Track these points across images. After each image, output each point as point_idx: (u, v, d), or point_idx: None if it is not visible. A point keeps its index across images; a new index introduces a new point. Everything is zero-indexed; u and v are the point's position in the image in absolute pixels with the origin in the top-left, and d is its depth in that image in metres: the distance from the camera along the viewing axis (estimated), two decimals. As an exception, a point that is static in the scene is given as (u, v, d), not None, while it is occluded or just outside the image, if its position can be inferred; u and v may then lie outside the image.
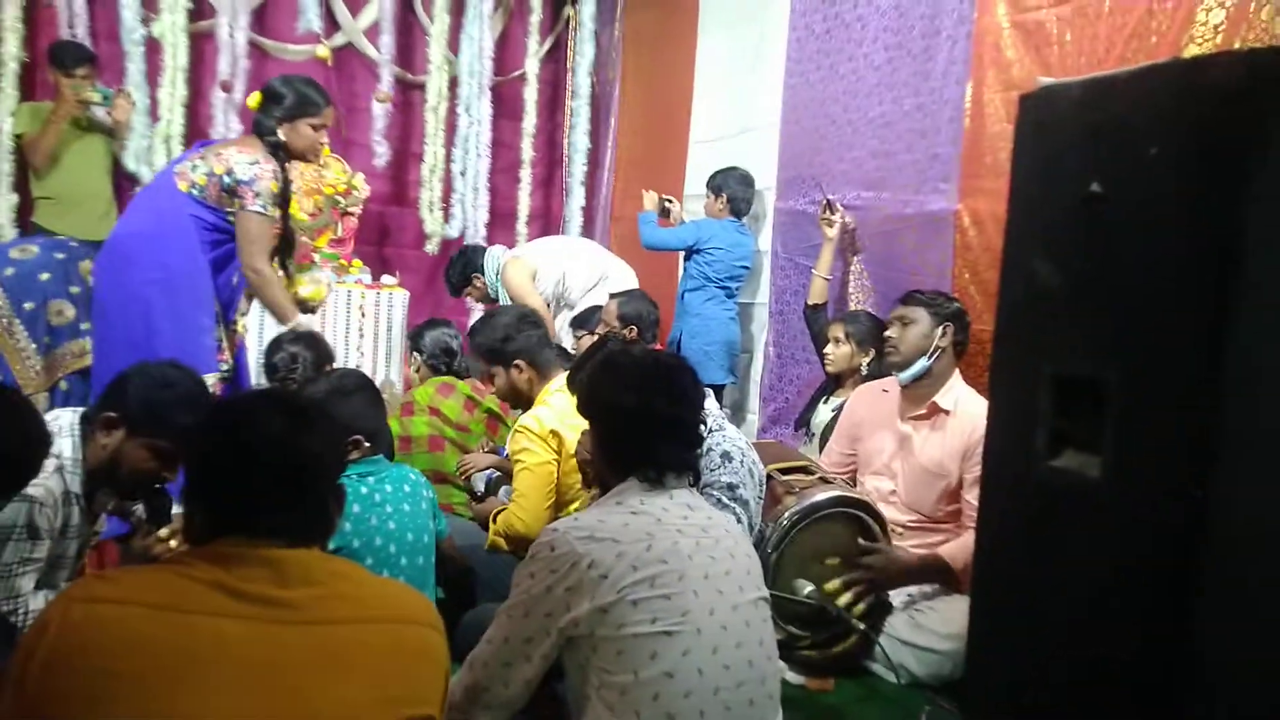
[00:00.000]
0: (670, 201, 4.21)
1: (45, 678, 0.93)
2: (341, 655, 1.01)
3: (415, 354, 3.33)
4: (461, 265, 4.35)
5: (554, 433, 2.29)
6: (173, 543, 1.81)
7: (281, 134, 2.76)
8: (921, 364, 2.48)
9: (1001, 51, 2.77)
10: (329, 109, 2.86)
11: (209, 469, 1.09)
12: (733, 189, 3.87)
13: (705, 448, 1.94)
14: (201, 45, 4.69)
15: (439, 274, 5.63)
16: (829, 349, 3.12)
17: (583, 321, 3.84)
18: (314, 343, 2.71)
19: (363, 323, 4.61)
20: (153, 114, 4.53)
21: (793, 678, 2.18)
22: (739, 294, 3.95)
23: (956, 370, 2.55)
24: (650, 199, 4.15)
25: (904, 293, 2.62)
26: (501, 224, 5.56)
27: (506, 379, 2.52)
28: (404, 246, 5.57)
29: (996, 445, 1.91)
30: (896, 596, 2.34)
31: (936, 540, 2.42)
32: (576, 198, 5.67)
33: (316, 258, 4.65)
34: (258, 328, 4.18)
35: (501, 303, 4.33)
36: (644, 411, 1.45)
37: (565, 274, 4.19)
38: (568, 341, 4.07)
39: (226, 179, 2.68)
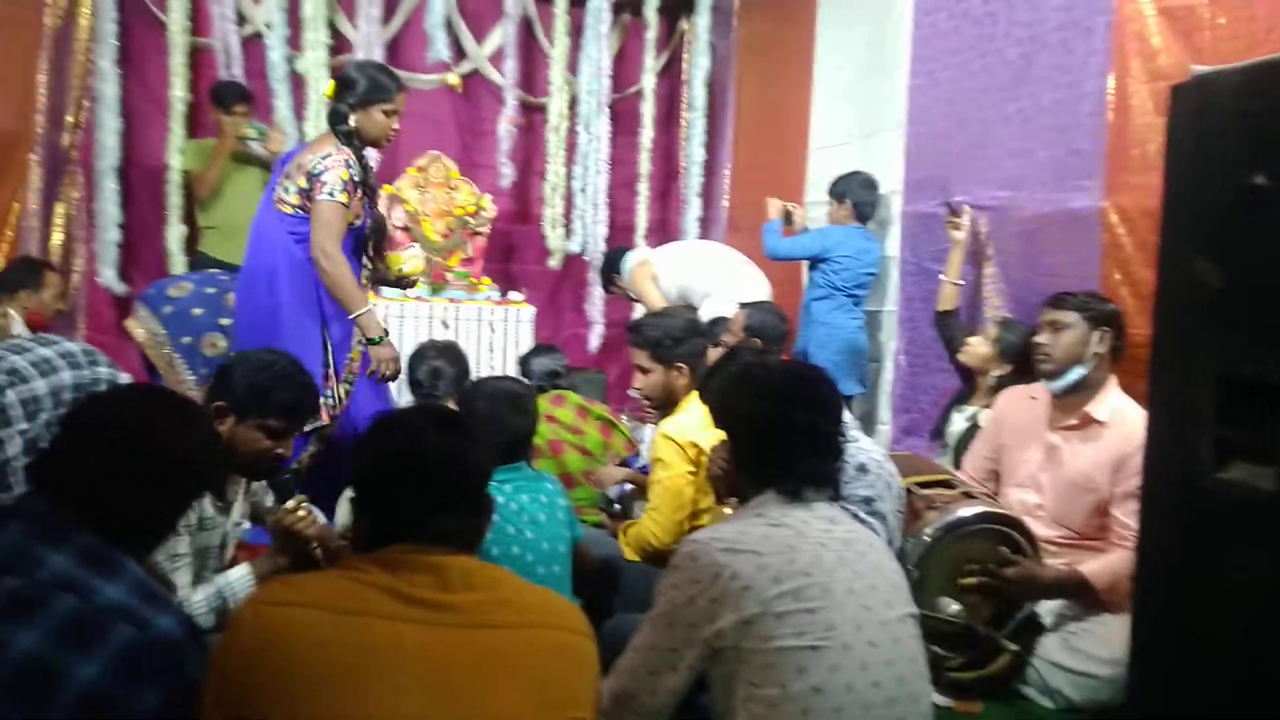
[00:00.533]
0: (794, 208, 4.17)
1: (243, 676, 1.00)
2: (504, 659, 1.05)
3: (524, 379, 3.44)
4: (606, 267, 4.65)
5: (694, 443, 2.30)
6: (300, 512, 1.90)
7: (354, 120, 2.75)
8: (1076, 373, 2.33)
9: (1146, 40, 2.62)
10: (401, 94, 2.85)
11: (376, 481, 1.15)
12: (857, 194, 3.80)
13: (841, 458, 1.90)
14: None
15: (562, 288, 5.79)
16: (972, 340, 3.00)
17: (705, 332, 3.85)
18: (455, 357, 2.81)
19: (492, 338, 4.76)
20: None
21: (939, 699, 2.09)
22: (866, 301, 3.87)
23: (1113, 377, 2.38)
24: (774, 207, 4.11)
25: (1050, 295, 2.46)
26: (620, 238, 5.62)
27: (663, 378, 2.52)
28: (528, 263, 5.73)
29: (1156, 457, 1.79)
30: (1048, 616, 2.23)
31: (1087, 559, 2.28)
32: (693, 209, 5.69)
33: (449, 277, 4.86)
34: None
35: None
36: (782, 422, 1.44)
37: (688, 279, 4.24)
38: None
39: (305, 183, 2.72)
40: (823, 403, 1.49)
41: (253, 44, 4.85)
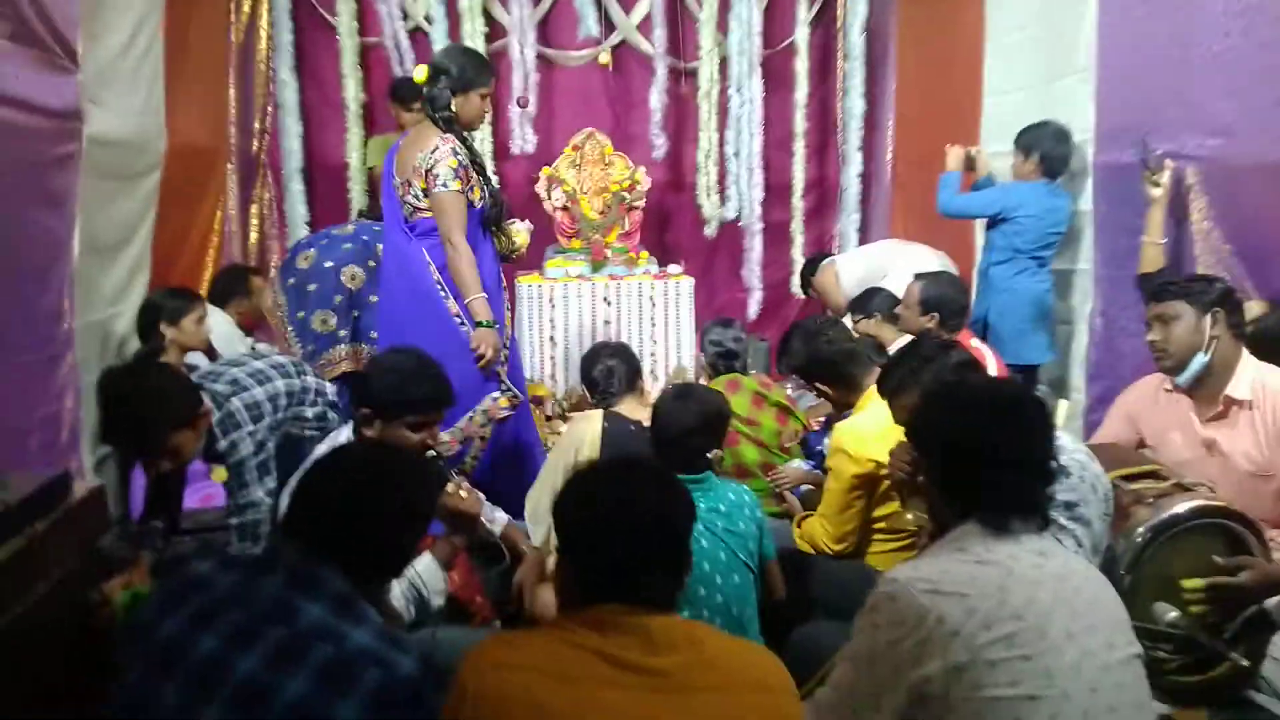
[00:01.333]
0: (976, 152, 3.91)
1: None
2: (710, 721, 1.06)
3: (702, 352, 3.43)
4: (804, 272, 4.80)
5: (871, 459, 2.22)
6: (462, 492, 1.98)
7: (454, 106, 2.84)
8: (1199, 361, 2.20)
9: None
10: (494, 79, 2.95)
11: (586, 539, 1.19)
12: (1046, 147, 3.49)
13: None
14: (496, 63, 5.06)
15: (719, 255, 5.74)
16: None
17: (857, 306, 3.72)
18: (627, 356, 2.85)
19: (653, 312, 4.80)
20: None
21: (1158, 707, 1.96)
22: (1054, 260, 3.61)
23: (1243, 352, 2.22)
24: (954, 156, 3.84)
25: (1154, 287, 2.34)
26: (777, 199, 5.51)
27: (818, 394, 2.55)
28: (684, 231, 5.71)
29: None
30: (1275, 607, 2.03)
31: (1280, 538, 2.08)
32: (853, 165, 5.47)
33: (609, 253, 4.92)
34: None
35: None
36: (987, 450, 1.36)
37: (867, 270, 4.20)
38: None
39: (424, 182, 2.80)
40: (1031, 427, 1.40)
41: (416, 38, 5.01)
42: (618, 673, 1.07)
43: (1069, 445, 1.88)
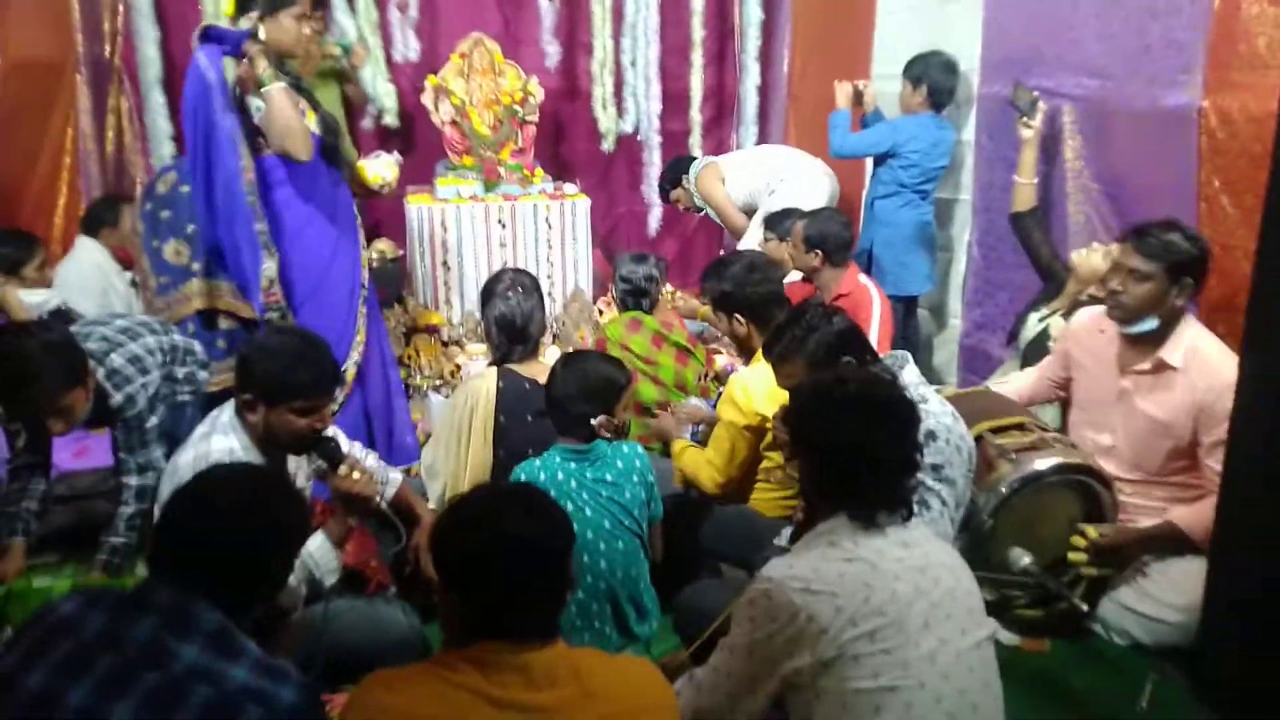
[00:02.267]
0: (863, 85, 3.90)
1: None
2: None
3: (612, 284, 3.40)
4: (671, 171, 4.62)
5: (759, 414, 2.29)
6: (355, 474, 1.99)
7: (263, 34, 2.58)
8: (1148, 324, 2.21)
9: (1266, -88, 2.31)
10: None
11: (462, 577, 1.20)
12: (935, 78, 3.52)
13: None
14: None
15: (616, 168, 5.62)
16: (1096, 247, 2.77)
17: (773, 224, 3.74)
18: (539, 305, 2.72)
19: (549, 234, 4.71)
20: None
21: (1006, 638, 2.17)
22: (937, 190, 3.69)
23: (1188, 315, 2.25)
24: (842, 93, 3.83)
25: (1131, 229, 2.26)
26: (674, 109, 5.37)
27: (729, 327, 2.56)
28: (579, 142, 5.55)
29: (1249, 395, 1.75)
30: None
31: (1161, 495, 2.26)
32: (751, 75, 5.36)
33: (502, 171, 4.76)
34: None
35: (704, 210, 4.51)
36: (857, 452, 1.43)
37: (753, 180, 4.20)
38: (754, 239, 4.01)
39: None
40: (902, 430, 1.46)
41: None
42: (500, 713, 1.11)
43: (936, 409, 1.98)
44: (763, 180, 4.23)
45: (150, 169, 4.68)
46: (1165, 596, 2.13)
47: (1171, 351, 2.20)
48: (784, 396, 2.22)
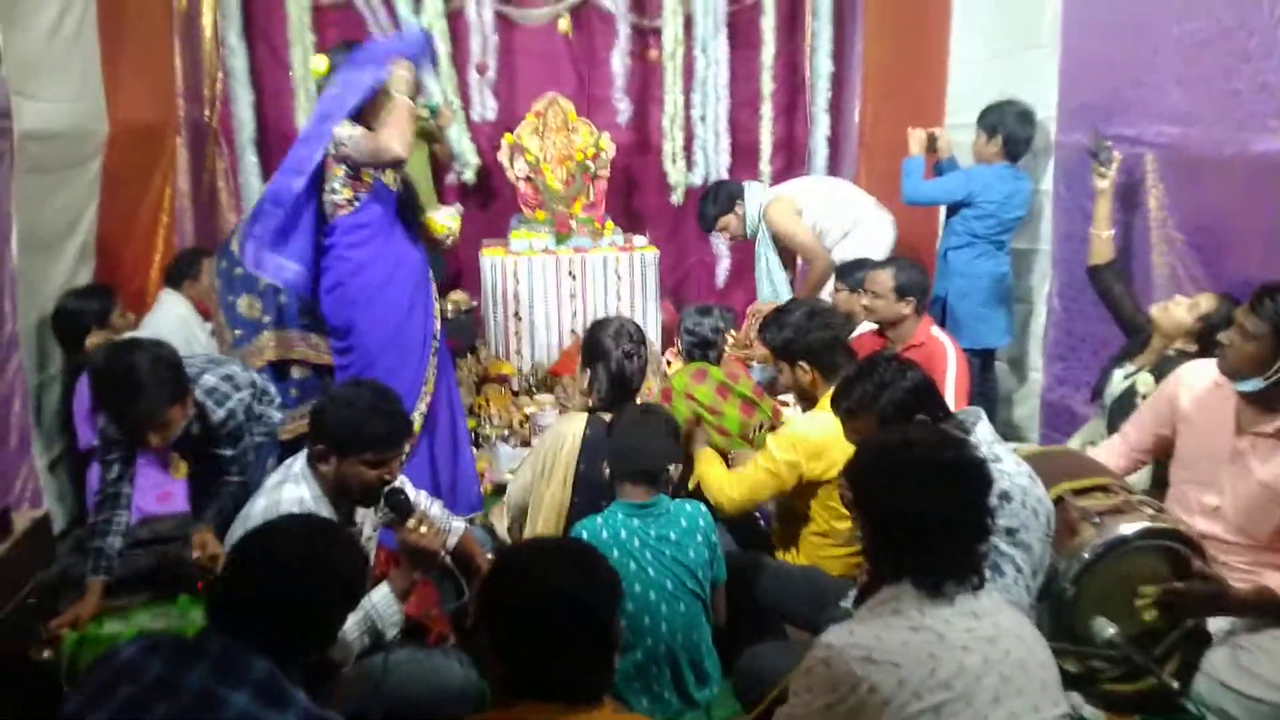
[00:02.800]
0: (939, 133, 3.85)
1: None
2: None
3: (678, 337, 3.38)
4: (725, 197, 4.26)
5: (815, 460, 2.24)
6: (423, 528, 1.99)
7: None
8: (1254, 384, 2.09)
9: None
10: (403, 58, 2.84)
11: (505, 633, 1.18)
12: (1010, 128, 3.44)
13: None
14: (455, 26, 4.89)
15: (686, 221, 5.63)
16: (1180, 300, 2.65)
17: (844, 274, 3.69)
18: (646, 356, 2.73)
19: (619, 285, 4.76)
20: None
21: (1090, 714, 2.03)
22: (1014, 239, 3.59)
23: None
24: (916, 139, 3.77)
25: (1257, 288, 2.11)
26: (744, 161, 5.40)
27: (792, 377, 2.52)
28: (649, 195, 5.62)
29: None
30: (1216, 628, 2.09)
31: (1265, 563, 2.11)
32: (821, 126, 5.36)
33: (573, 224, 4.85)
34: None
35: (758, 239, 4.32)
36: (922, 522, 1.37)
37: (826, 217, 4.10)
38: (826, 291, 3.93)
39: (344, 168, 2.74)
40: (971, 497, 1.40)
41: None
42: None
43: (1011, 469, 1.89)
44: (836, 221, 4.10)
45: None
46: (1266, 674, 1.97)
47: None
48: (835, 449, 2.18)
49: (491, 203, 5.36)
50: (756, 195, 4.26)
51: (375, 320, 2.87)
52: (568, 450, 2.45)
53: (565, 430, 2.50)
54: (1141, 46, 2.95)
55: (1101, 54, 3.14)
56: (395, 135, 2.72)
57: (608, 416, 2.53)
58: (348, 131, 2.72)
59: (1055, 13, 3.37)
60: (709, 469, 2.47)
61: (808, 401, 2.60)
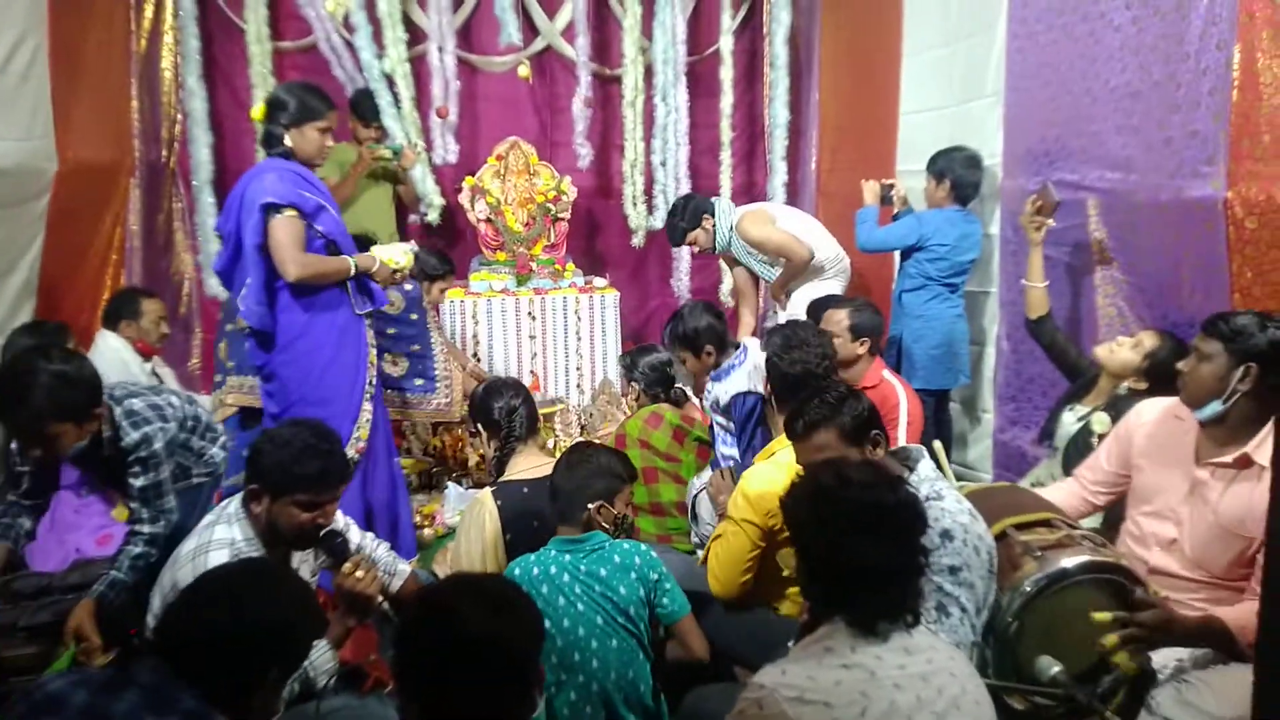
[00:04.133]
0: (893, 184, 3.92)
1: None
2: None
3: (632, 383, 3.36)
4: (692, 212, 4.16)
5: (772, 514, 2.20)
6: (359, 572, 1.96)
7: (288, 140, 2.79)
8: (1214, 408, 2.11)
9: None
10: (332, 112, 2.88)
11: (423, 673, 1.15)
12: (958, 174, 3.52)
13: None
14: (418, 70, 4.92)
15: (648, 263, 5.71)
16: (1122, 341, 2.72)
17: (814, 311, 3.71)
18: (529, 398, 2.77)
19: (579, 326, 4.76)
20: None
21: (1039, 753, 2.01)
22: (966, 283, 3.65)
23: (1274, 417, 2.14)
24: (870, 191, 3.84)
25: (1209, 316, 2.16)
26: (705, 207, 5.48)
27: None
28: (611, 237, 5.66)
29: None
30: (1162, 664, 2.09)
31: (1220, 598, 2.11)
32: (779, 173, 5.45)
33: (534, 265, 4.86)
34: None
35: (734, 255, 4.22)
36: (853, 560, 1.36)
37: (804, 229, 4.10)
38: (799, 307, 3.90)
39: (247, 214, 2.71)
40: (905, 539, 1.39)
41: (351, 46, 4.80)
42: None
43: (952, 507, 1.89)
44: (816, 252, 4.05)
45: (199, 266, 4.89)
46: (1210, 708, 1.96)
47: (1259, 449, 2.07)
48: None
49: (453, 245, 5.37)
50: (727, 212, 4.17)
51: (294, 367, 2.84)
52: (491, 533, 2.41)
53: (478, 514, 2.45)
54: (1081, 96, 3.04)
55: (1044, 103, 3.24)
56: (288, 262, 2.71)
57: (519, 475, 2.55)
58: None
59: (999, 64, 3.48)
60: (709, 555, 2.41)
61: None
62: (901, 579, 1.38)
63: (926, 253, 3.52)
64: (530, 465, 2.57)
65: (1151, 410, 2.38)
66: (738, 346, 3.10)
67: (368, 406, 2.93)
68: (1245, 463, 2.09)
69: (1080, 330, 3.13)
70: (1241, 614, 2.01)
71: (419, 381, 3.76)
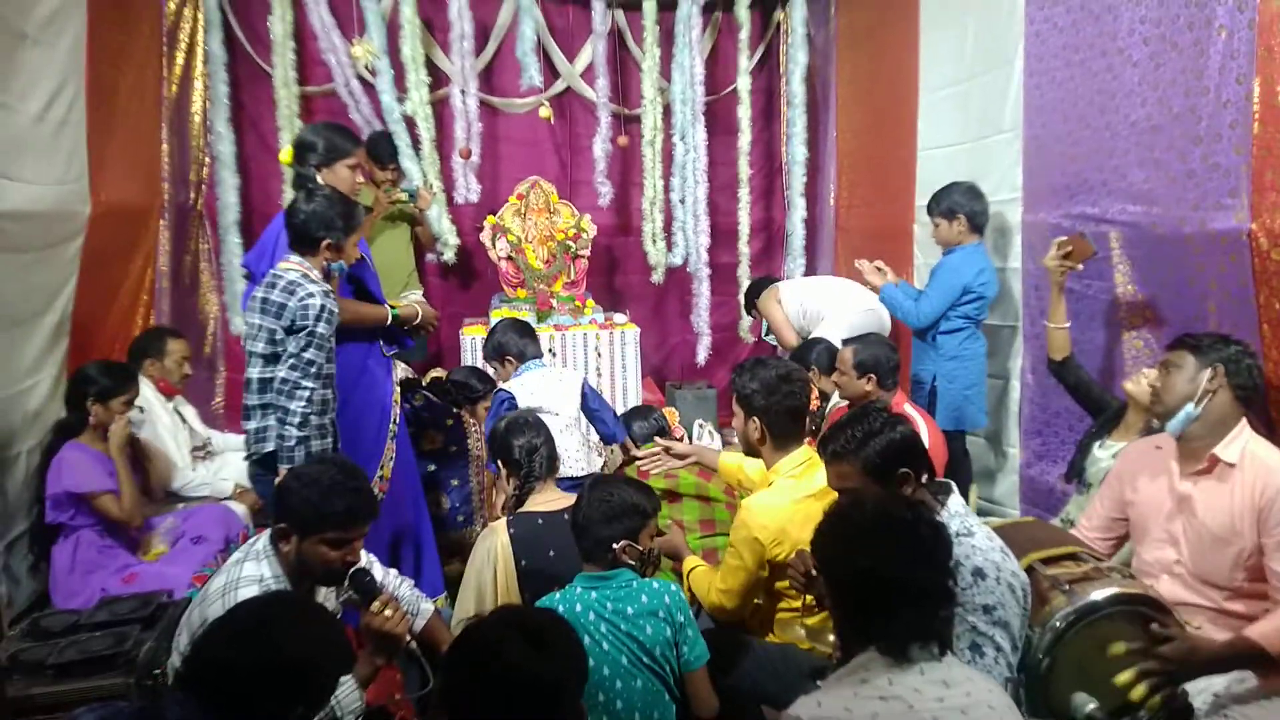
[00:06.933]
0: (880, 265, 3.78)
1: None
2: None
3: (630, 440, 3.44)
4: (749, 294, 4.82)
5: (769, 532, 2.22)
6: (387, 611, 1.96)
7: (321, 179, 2.83)
8: (1187, 411, 2.19)
9: (1301, 40, 2.32)
10: (359, 149, 2.95)
11: (460, 703, 1.15)
12: (968, 207, 3.49)
13: (953, 561, 1.77)
14: (440, 112, 5.01)
15: (667, 299, 5.75)
16: (1147, 372, 2.70)
17: (797, 357, 3.74)
18: (549, 435, 2.76)
19: (599, 363, 4.77)
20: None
21: (1077, 792, 1.96)
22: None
23: (1243, 420, 2.20)
24: (872, 273, 3.74)
25: (1177, 336, 2.31)
26: (723, 243, 5.52)
27: (744, 426, 2.48)
28: (631, 274, 5.71)
29: None
30: (1199, 697, 2.04)
31: (1234, 618, 2.09)
32: (798, 210, 5.49)
33: (554, 302, 4.89)
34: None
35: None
36: (878, 578, 1.36)
37: (808, 301, 4.34)
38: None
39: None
40: (925, 553, 1.39)
41: (370, 89, 4.90)
42: None
43: (984, 544, 1.87)
44: (814, 307, 4.33)
45: (224, 305, 4.96)
46: (1252, 745, 1.92)
47: (1226, 449, 2.17)
48: (802, 519, 2.16)
49: (473, 282, 5.43)
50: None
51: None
52: (503, 560, 2.40)
53: (490, 545, 2.44)
54: (1100, 131, 3.06)
55: (1063, 137, 3.25)
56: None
57: (541, 495, 2.57)
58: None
59: (1017, 100, 3.50)
60: (695, 577, 2.45)
61: (752, 453, 2.56)
62: (927, 597, 1.37)
63: (969, 294, 3.47)
64: (548, 500, 2.57)
65: (1134, 449, 2.51)
66: None
67: (391, 445, 2.95)
68: (1216, 463, 2.19)
69: (1108, 365, 3.11)
70: (1268, 629, 2.01)
71: (460, 519, 3.71)
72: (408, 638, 2.10)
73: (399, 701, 2.15)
